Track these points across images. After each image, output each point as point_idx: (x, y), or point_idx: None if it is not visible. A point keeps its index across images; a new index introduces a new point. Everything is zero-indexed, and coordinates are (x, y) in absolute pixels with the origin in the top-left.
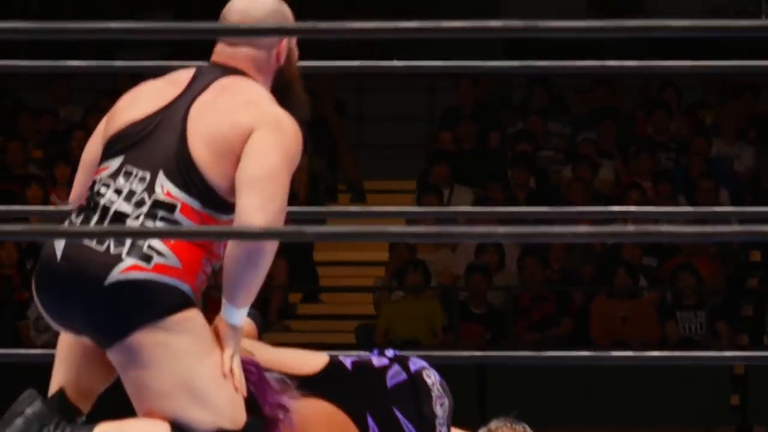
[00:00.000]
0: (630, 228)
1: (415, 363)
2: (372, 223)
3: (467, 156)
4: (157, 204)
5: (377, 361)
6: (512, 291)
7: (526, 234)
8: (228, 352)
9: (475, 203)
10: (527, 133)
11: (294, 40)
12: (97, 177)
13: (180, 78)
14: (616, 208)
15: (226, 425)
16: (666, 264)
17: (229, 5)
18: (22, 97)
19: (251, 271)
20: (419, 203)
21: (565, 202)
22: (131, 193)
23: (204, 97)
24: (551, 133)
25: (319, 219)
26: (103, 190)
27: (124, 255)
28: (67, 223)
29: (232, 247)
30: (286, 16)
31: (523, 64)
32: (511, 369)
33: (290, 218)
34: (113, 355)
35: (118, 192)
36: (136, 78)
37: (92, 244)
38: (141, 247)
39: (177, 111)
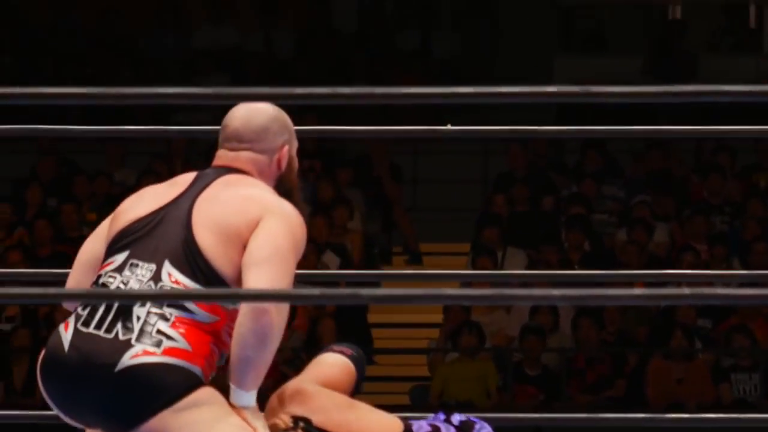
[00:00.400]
0: (686, 291)
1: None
2: (426, 286)
3: (520, 219)
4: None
5: (446, 431)
6: (567, 353)
7: (582, 296)
8: (259, 429)
9: (529, 265)
10: (581, 196)
11: (295, 149)
12: (102, 271)
13: (182, 180)
14: (670, 272)
15: None
16: (720, 326)
17: (230, 113)
18: (76, 160)
19: (260, 352)
20: (473, 265)
21: (620, 265)
22: (138, 283)
23: (208, 192)
24: (605, 196)
25: (374, 281)
26: (109, 281)
27: (133, 341)
28: (74, 315)
29: (239, 328)
30: (287, 122)
31: (577, 129)
32: (566, 431)
33: (345, 280)
34: None
35: (125, 283)
36: (190, 141)
37: (100, 332)
38: (150, 333)
39: (181, 206)
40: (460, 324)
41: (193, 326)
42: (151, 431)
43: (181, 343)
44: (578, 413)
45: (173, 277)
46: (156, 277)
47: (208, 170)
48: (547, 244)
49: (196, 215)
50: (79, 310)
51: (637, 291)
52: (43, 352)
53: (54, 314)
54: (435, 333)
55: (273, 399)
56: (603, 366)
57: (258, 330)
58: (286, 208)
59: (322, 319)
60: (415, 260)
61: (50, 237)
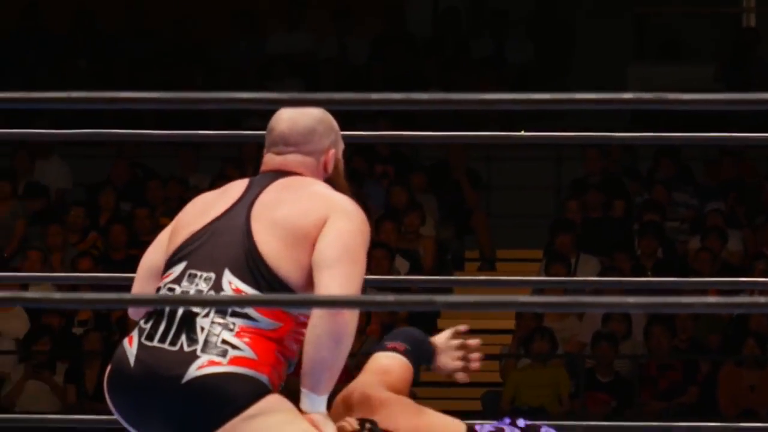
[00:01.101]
0: (761, 299)
1: None
2: (499, 292)
3: (594, 225)
4: None
5: None
6: (639, 359)
7: (656, 304)
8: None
9: (602, 272)
10: (654, 203)
11: (341, 151)
12: (162, 283)
13: (234, 187)
14: (744, 279)
15: None
16: None
17: (275, 116)
18: (150, 165)
19: (336, 353)
20: (546, 272)
21: (693, 273)
22: (198, 292)
23: (264, 196)
24: (678, 203)
25: (446, 287)
26: (168, 292)
27: (198, 352)
28: (137, 330)
29: (314, 330)
30: (333, 124)
31: (652, 135)
32: None
33: (418, 286)
34: None
35: (185, 293)
36: (261, 146)
37: (165, 345)
38: (215, 343)
39: (238, 213)
40: (532, 330)
41: (258, 334)
42: None
43: (247, 352)
44: (650, 421)
45: (233, 285)
46: (216, 286)
47: (258, 176)
48: (620, 251)
49: (255, 222)
50: (142, 323)
51: (711, 299)
52: (109, 367)
53: (126, 318)
54: (507, 339)
55: (338, 404)
56: (675, 373)
57: (333, 331)
58: (351, 205)
59: (396, 325)
60: (488, 266)
61: (124, 242)
